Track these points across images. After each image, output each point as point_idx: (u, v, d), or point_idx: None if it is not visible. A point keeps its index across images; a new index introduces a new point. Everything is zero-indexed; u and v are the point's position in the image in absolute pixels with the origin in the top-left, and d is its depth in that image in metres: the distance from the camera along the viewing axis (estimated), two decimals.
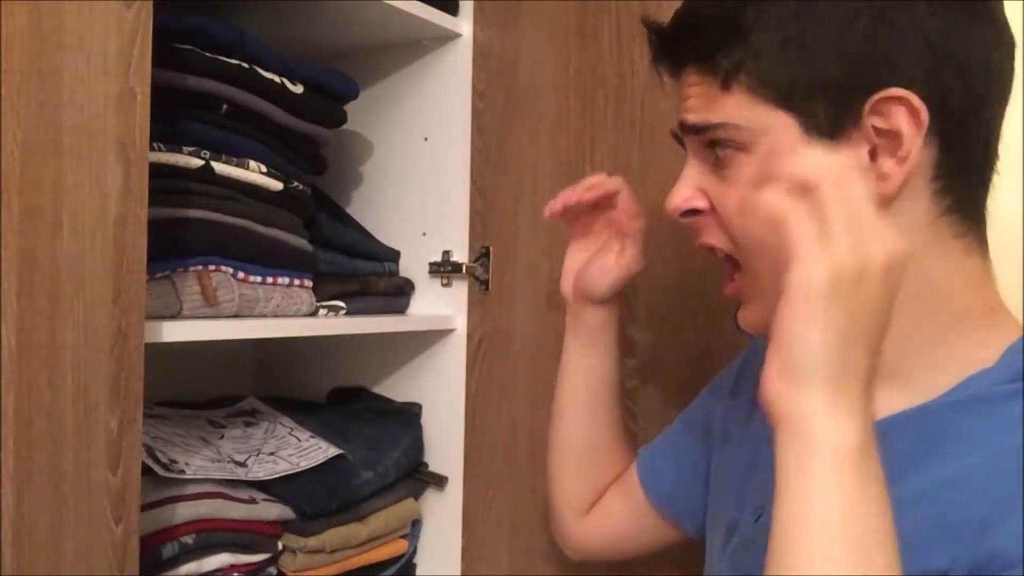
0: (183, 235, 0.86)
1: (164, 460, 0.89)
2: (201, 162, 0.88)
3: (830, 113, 0.55)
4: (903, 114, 0.53)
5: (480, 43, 1.13)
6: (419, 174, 1.18)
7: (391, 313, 1.16)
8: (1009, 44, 0.57)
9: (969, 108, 0.55)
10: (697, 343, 0.95)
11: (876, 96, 0.53)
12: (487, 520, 1.12)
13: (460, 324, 1.15)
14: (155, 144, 0.83)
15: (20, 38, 0.61)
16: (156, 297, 0.82)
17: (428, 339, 1.16)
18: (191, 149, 0.88)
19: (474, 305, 1.14)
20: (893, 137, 0.54)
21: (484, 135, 1.13)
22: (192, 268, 0.86)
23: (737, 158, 0.58)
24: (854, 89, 0.54)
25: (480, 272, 1.13)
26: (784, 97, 0.55)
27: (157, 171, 0.78)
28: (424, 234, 1.18)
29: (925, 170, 0.55)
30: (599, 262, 0.84)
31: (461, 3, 1.14)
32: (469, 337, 1.14)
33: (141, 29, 0.67)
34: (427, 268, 1.17)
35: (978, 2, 0.55)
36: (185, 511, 0.86)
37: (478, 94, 1.13)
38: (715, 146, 0.59)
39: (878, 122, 0.54)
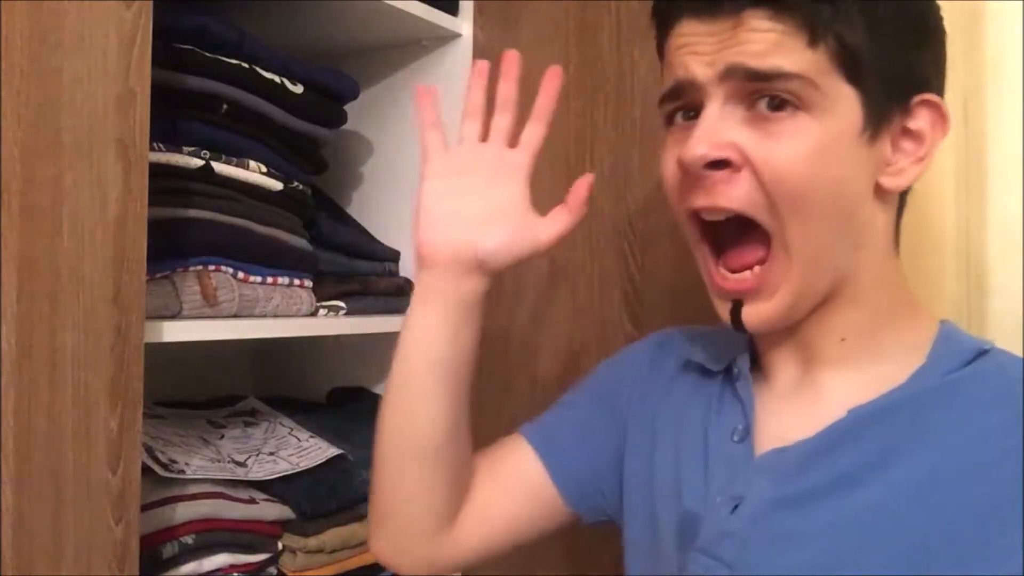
0: (183, 235, 0.86)
1: (164, 460, 0.89)
2: (201, 162, 0.88)
3: (885, 103, 0.56)
4: (929, 118, 0.57)
5: (480, 43, 1.13)
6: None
7: (391, 313, 1.15)
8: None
9: None
10: None
11: (917, 97, 0.57)
12: None
13: None
14: (155, 144, 0.83)
15: (20, 38, 0.61)
16: (156, 297, 0.82)
17: None
18: (191, 149, 0.88)
19: None
20: (915, 137, 0.57)
21: None
22: (192, 268, 0.86)
23: (796, 116, 0.55)
24: (910, 85, 0.57)
25: None
26: (862, 74, 0.55)
27: (157, 171, 0.78)
28: None
29: None
30: (521, 221, 0.71)
31: (461, 3, 1.14)
32: None
33: (141, 29, 0.67)
34: None
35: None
36: (185, 511, 0.86)
37: None
38: (765, 99, 0.56)
39: (908, 121, 0.58)
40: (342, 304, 1.06)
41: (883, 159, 0.58)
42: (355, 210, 1.23)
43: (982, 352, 0.58)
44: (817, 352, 0.62)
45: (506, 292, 1.11)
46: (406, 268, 1.19)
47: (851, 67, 0.55)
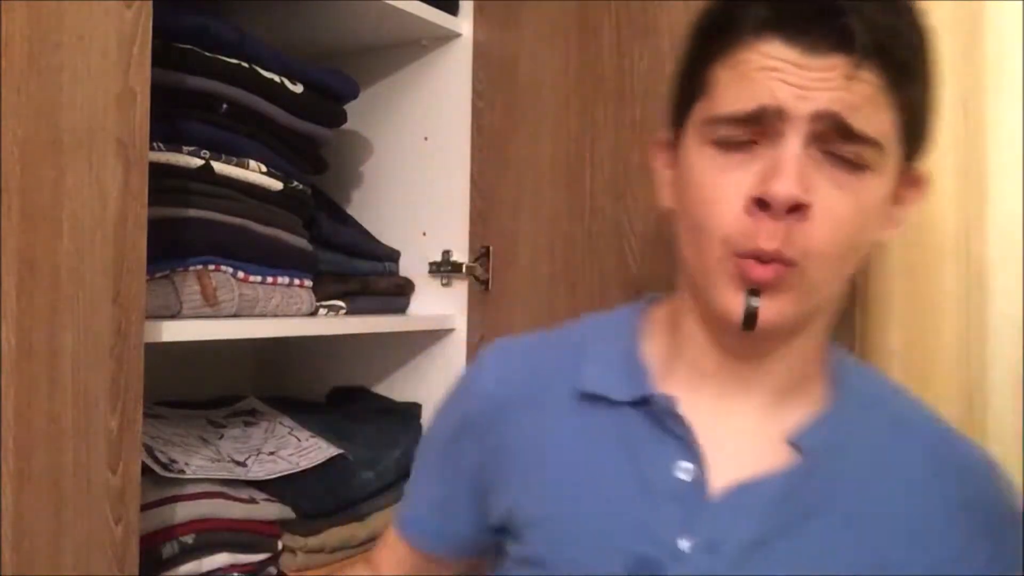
0: (183, 235, 0.86)
1: (164, 460, 0.89)
2: (201, 162, 0.88)
3: (903, 164, 0.58)
4: (921, 189, 0.61)
5: (480, 43, 1.13)
6: (419, 174, 1.18)
7: (391, 313, 1.16)
8: None
9: None
10: None
11: (916, 168, 0.60)
12: None
13: (460, 324, 1.15)
14: (155, 144, 0.83)
15: (20, 38, 0.61)
16: (156, 297, 0.82)
17: (428, 339, 1.16)
18: (191, 149, 0.88)
19: (474, 305, 1.14)
20: (905, 201, 0.60)
21: (484, 135, 1.13)
22: (192, 268, 0.86)
23: (863, 176, 0.55)
24: (919, 150, 0.60)
25: (480, 272, 1.13)
26: (912, 139, 0.58)
27: (157, 171, 0.78)
28: (424, 234, 1.18)
29: None
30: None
31: (461, 3, 1.14)
32: (469, 337, 1.14)
33: (141, 29, 0.67)
34: (427, 268, 1.17)
35: None
36: (185, 511, 0.86)
37: (478, 94, 1.13)
38: (853, 157, 0.54)
39: (908, 191, 0.60)
40: (342, 304, 1.06)
41: (887, 211, 0.60)
42: (355, 210, 1.23)
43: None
44: (777, 380, 0.61)
45: (506, 292, 1.11)
46: (406, 268, 1.20)
47: (909, 133, 0.57)
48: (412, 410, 1.17)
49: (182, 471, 0.89)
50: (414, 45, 1.17)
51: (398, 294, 1.17)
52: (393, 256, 1.19)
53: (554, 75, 1.06)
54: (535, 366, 0.69)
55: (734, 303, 0.56)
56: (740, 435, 0.60)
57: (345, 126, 1.09)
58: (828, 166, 0.54)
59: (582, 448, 0.63)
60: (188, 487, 0.88)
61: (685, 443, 0.59)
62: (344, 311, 1.06)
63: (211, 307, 0.87)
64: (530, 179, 1.09)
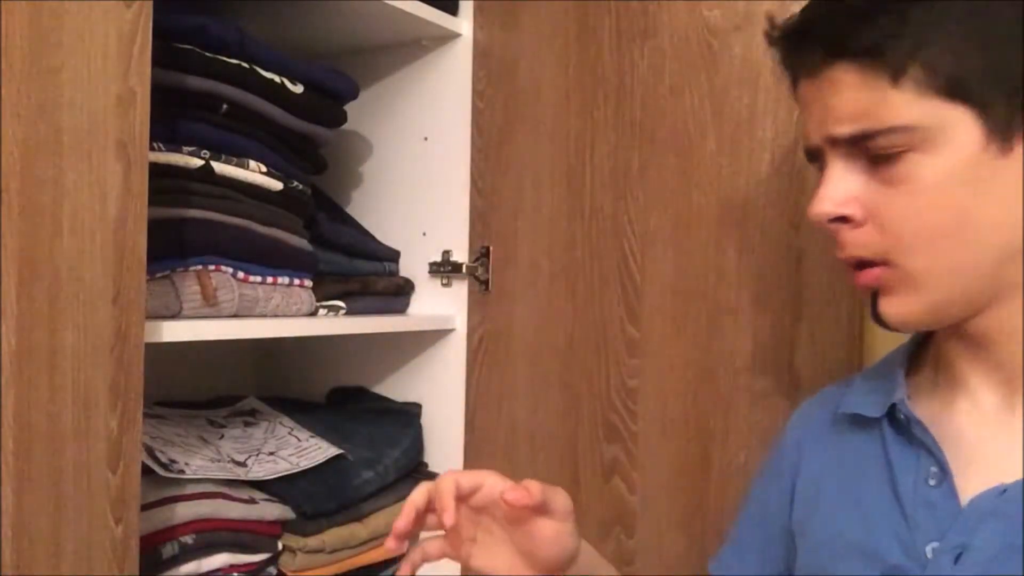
0: (183, 235, 0.86)
1: (164, 460, 0.89)
2: (201, 162, 0.88)
3: (1005, 110, 0.53)
4: None
5: (480, 43, 1.13)
6: (419, 174, 1.18)
7: (391, 313, 1.16)
8: None
9: None
10: (698, 343, 0.95)
11: None
12: None
13: (460, 324, 1.15)
14: (155, 144, 0.83)
15: (20, 38, 0.61)
16: (156, 297, 0.82)
17: (428, 339, 1.16)
18: (191, 149, 0.88)
19: (474, 305, 1.14)
20: None
21: (484, 135, 1.13)
22: (192, 268, 0.86)
23: (911, 159, 0.54)
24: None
25: (480, 272, 1.13)
26: (960, 88, 0.53)
27: (157, 171, 0.78)
28: (424, 234, 1.18)
29: None
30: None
31: (461, 3, 1.14)
32: (469, 337, 1.14)
33: (141, 29, 0.67)
34: (427, 268, 1.17)
35: None
36: (185, 511, 0.86)
37: (478, 94, 1.13)
38: (876, 151, 0.55)
39: None
40: (342, 304, 1.06)
41: None
42: (355, 210, 1.23)
43: None
44: (1016, 369, 0.58)
45: (506, 292, 1.11)
46: (406, 268, 1.20)
47: (950, 88, 0.53)
48: (412, 410, 1.17)
49: (182, 471, 0.89)
50: (414, 45, 1.17)
51: (398, 294, 1.17)
52: (393, 256, 1.19)
53: (554, 75, 1.06)
54: (819, 406, 0.72)
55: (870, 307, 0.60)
56: (1008, 433, 0.57)
57: (345, 126, 1.09)
58: (879, 167, 0.56)
59: (842, 468, 0.66)
60: (188, 487, 0.88)
61: (929, 448, 0.59)
62: (344, 311, 1.06)
63: (211, 307, 0.87)
64: (530, 179, 1.09)
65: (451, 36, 1.14)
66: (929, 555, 0.56)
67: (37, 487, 0.63)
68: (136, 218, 0.68)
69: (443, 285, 1.17)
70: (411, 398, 1.18)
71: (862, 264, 0.59)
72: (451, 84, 1.15)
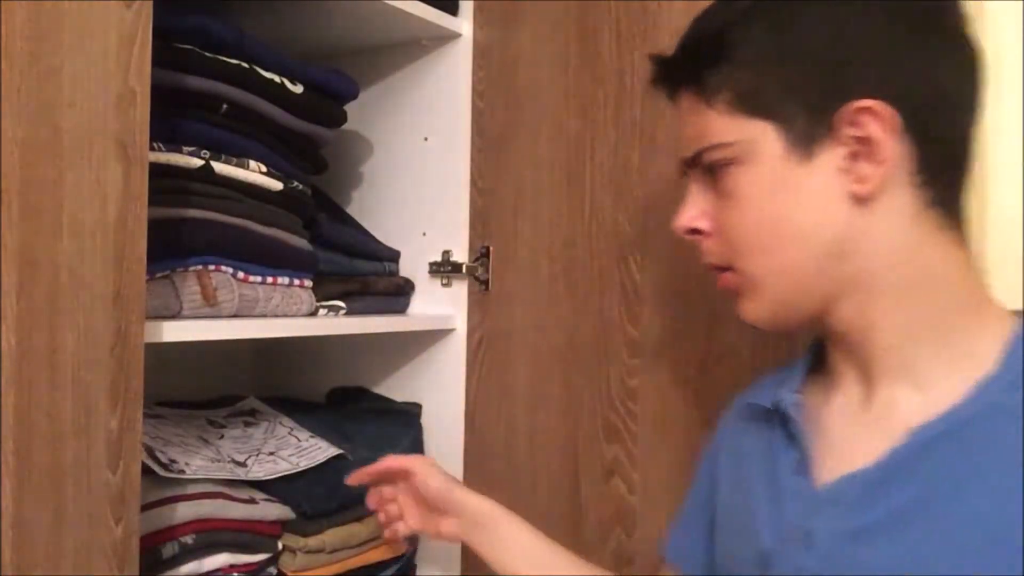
0: (183, 235, 0.86)
1: (164, 460, 0.89)
2: (201, 162, 0.88)
3: (805, 121, 0.58)
4: (874, 122, 0.56)
5: (480, 43, 1.13)
6: (419, 174, 1.18)
7: (391, 313, 1.16)
8: (968, 48, 0.60)
9: (938, 108, 0.58)
10: (697, 343, 0.95)
11: (846, 107, 0.56)
12: None
13: (460, 324, 1.15)
14: (155, 144, 0.83)
15: (20, 38, 0.61)
16: (156, 297, 0.82)
17: (428, 339, 1.17)
18: (191, 149, 0.88)
19: (474, 305, 1.14)
20: (868, 143, 0.57)
21: (484, 135, 1.13)
22: (192, 268, 0.86)
23: (734, 173, 0.61)
24: (825, 96, 0.57)
25: (480, 272, 1.13)
26: (761, 105, 0.59)
27: (157, 171, 0.78)
28: (424, 234, 1.18)
29: (906, 163, 0.57)
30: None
31: (461, 3, 1.14)
32: (469, 337, 1.14)
33: (141, 29, 0.67)
34: (427, 268, 1.17)
35: (932, 15, 0.59)
36: (185, 511, 0.86)
37: (478, 94, 1.13)
38: (713, 168, 0.63)
39: (852, 131, 0.57)
40: (342, 304, 1.06)
41: (839, 170, 0.57)
42: (355, 210, 1.23)
43: None
44: (872, 364, 0.60)
45: (506, 292, 1.11)
46: (406, 268, 1.20)
47: (752, 105, 0.59)
48: (412, 410, 1.17)
49: (182, 471, 0.89)
50: (414, 45, 1.17)
51: (398, 294, 1.17)
52: (393, 256, 1.19)
53: (554, 75, 1.06)
54: (740, 398, 0.76)
55: None
56: (866, 423, 0.60)
57: (345, 126, 1.09)
58: (715, 183, 0.63)
59: (739, 457, 0.71)
60: (188, 487, 0.88)
61: (798, 439, 0.63)
62: (344, 311, 1.06)
63: (211, 307, 0.87)
64: (530, 179, 1.09)
65: (451, 36, 1.14)
66: (790, 540, 0.60)
67: (37, 487, 0.63)
68: (136, 218, 0.68)
69: (443, 285, 1.17)
70: (411, 398, 1.18)
71: (720, 269, 0.65)
72: (451, 84, 1.15)
